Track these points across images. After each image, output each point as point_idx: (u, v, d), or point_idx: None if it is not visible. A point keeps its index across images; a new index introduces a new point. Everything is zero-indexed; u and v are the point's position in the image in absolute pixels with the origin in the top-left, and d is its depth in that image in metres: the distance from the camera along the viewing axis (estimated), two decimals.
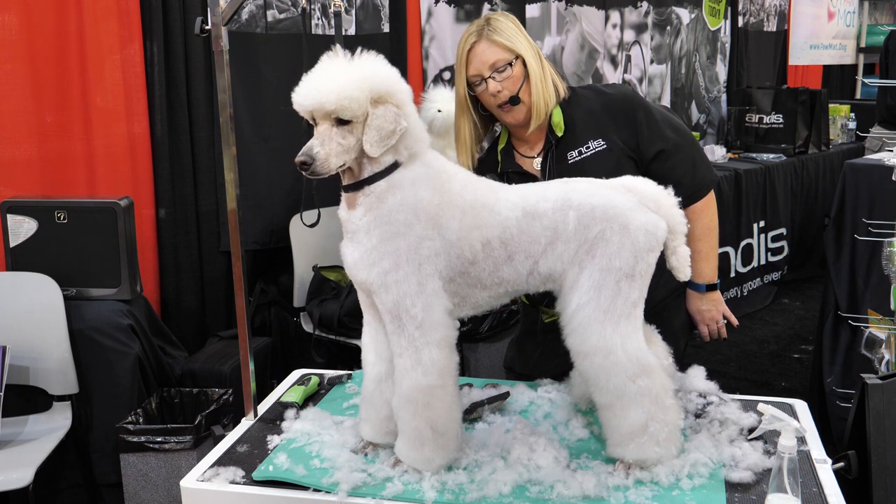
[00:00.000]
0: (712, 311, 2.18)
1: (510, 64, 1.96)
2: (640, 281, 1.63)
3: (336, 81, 1.52)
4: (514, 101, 1.98)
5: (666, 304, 2.13)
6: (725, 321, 2.21)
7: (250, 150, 3.55)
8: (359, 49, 1.57)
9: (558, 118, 2.04)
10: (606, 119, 2.03)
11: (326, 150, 1.53)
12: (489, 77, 1.96)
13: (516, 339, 2.35)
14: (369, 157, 1.59)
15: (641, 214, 1.64)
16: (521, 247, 1.64)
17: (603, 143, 2.02)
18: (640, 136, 2.02)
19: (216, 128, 3.38)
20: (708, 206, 2.09)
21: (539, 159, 2.07)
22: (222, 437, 1.88)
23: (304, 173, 1.54)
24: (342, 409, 1.98)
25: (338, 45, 1.58)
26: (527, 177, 2.08)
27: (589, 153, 2.02)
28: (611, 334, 1.60)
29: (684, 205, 1.84)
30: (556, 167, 2.03)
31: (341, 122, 1.54)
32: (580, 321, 1.61)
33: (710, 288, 2.16)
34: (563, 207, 1.64)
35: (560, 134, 2.03)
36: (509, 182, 2.02)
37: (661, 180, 1.82)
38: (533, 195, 1.67)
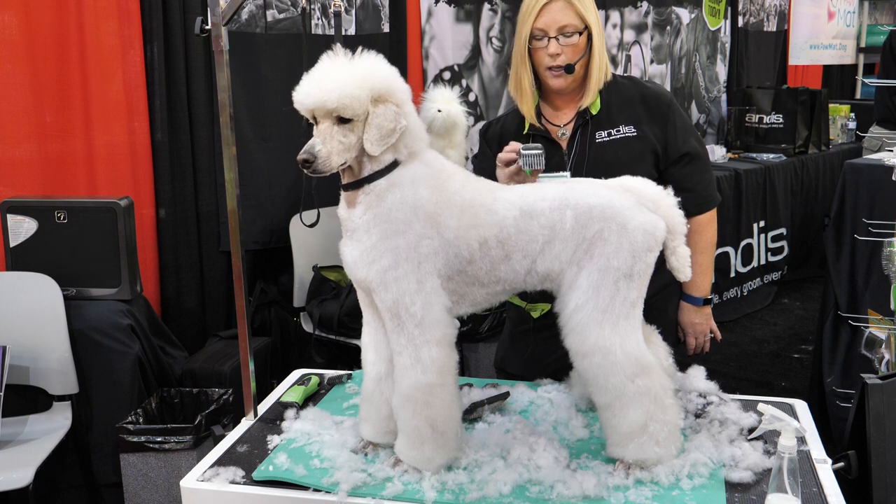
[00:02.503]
0: (703, 325, 2.23)
1: (579, 33, 1.99)
2: (639, 281, 1.63)
3: (337, 80, 1.52)
4: (570, 69, 2.00)
5: (653, 302, 2.14)
6: (711, 336, 2.27)
7: (250, 150, 3.56)
8: (359, 49, 1.58)
9: (595, 98, 2.07)
10: (641, 110, 2.08)
11: (328, 149, 1.53)
12: (554, 37, 1.98)
13: (506, 338, 2.35)
14: (369, 156, 1.59)
15: (640, 214, 1.64)
16: (519, 246, 1.64)
17: (634, 130, 2.07)
18: (671, 136, 2.08)
19: (216, 128, 3.38)
20: (711, 221, 2.16)
21: (566, 131, 2.10)
22: (222, 437, 1.88)
23: (305, 171, 1.54)
24: (342, 409, 1.98)
25: (338, 45, 1.58)
26: (553, 144, 2.09)
27: (618, 136, 2.07)
28: (609, 334, 1.60)
29: (691, 214, 1.87)
30: (585, 143, 2.06)
31: (342, 120, 1.55)
32: (578, 321, 1.61)
33: (706, 302, 2.22)
34: (561, 207, 1.64)
35: (595, 113, 2.07)
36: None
37: (676, 183, 1.86)
38: (531, 195, 1.67)
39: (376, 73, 1.57)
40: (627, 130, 2.07)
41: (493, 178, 1.99)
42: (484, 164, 2.13)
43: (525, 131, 2.11)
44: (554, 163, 2.08)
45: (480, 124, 4.36)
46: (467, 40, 4.37)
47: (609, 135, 2.07)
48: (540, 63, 2.03)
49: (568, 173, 2.04)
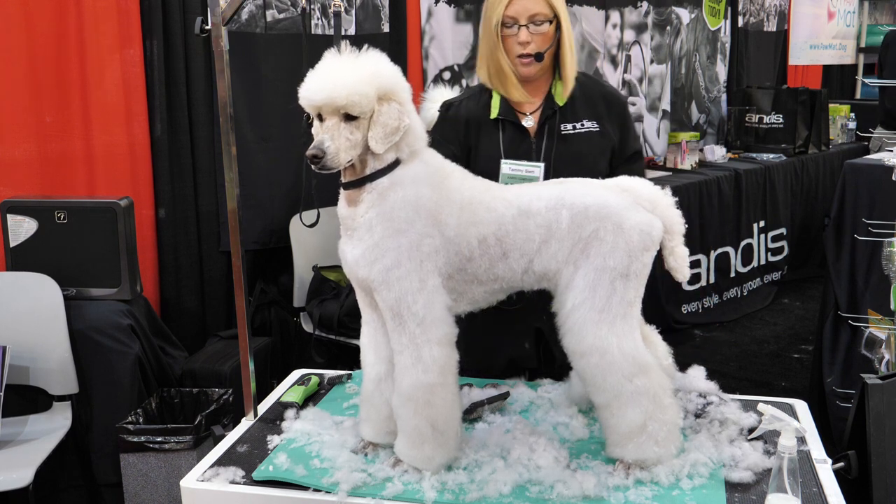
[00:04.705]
0: None
1: (549, 21, 2.00)
2: (636, 280, 1.63)
3: (346, 77, 1.53)
4: (539, 57, 2.02)
5: None
6: None
7: (250, 150, 3.55)
8: (365, 46, 1.58)
9: (571, 86, 2.10)
10: (603, 107, 2.12)
11: (336, 145, 1.54)
12: (524, 25, 1.99)
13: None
14: (373, 154, 1.59)
15: (635, 214, 1.64)
16: (516, 244, 1.65)
17: (596, 125, 2.11)
18: (626, 134, 2.15)
19: (216, 128, 3.38)
20: None
21: (531, 120, 2.11)
22: (222, 437, 1.88)
23: (313, 167, 1.55)
24: (342, 409, 1.98)
25: (344, 43, 1.59)
26: (522, 131, 2.10)
27: (582, 130, 2.10)
28: (606, 334, 1.60)
29: None
30: (553, 134, 2.09)
31: (349, 117, 1.55)
32: (576, 321, 1.62)
33: None
34: (557, 206, 1.64)
35: (561, 104, 2.09)
36: (503, 130, 2.07)
37: None
38: (527, 194, 1.68)
39: (382, 72, 1.58)
40: (591, 125, 2.11)
41: (450, 151, 1.99)
42: (443, 138, 2.10)
43: (494, 116, 2.09)
44: (522, 150, 2.09)
45: None
46: (467, 40, 4.36)
47: (574, 128, 2.10)
48: (509, 51, 2.03)
49: (542, 164, 2.07)
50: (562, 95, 2.09)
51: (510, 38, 2.01)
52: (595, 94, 2.13)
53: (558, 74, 2.09)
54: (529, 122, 2.11)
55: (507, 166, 2.05)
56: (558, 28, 2.03)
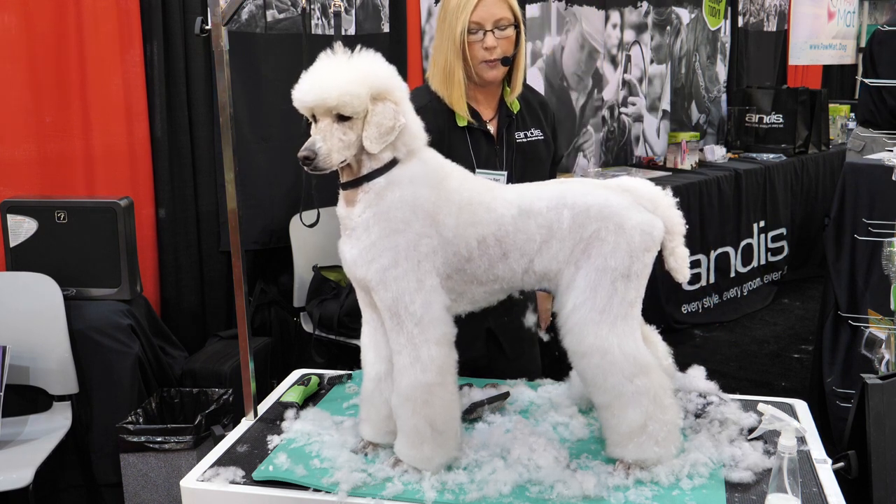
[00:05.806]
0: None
1: (512, 26, 2.03)
2: (637, 281, 1.63)
3: (337, 78, 1.53)
4: (506, 61, 2.03)
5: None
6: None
7: (250, 150, 3.56)
8: (358, 46, 1.58)
9: (513, 97, 2.13)
10: (542, 114, 2.20)
11: (328, 146, 1.54)
12: (490, 30, 2.00)
13: None
14: (369, 154, 1.59)
15: (637, 214, 1.64)
16: (517, 245, 1.65)
17: (541, 134, 2.18)
18: (557, 140, 2.23)
19: (216, 128, 3.38)
20: None
21: (492, 127, 2.13)
22: (222, 437, 1.88)
23: (306, 168, 1.55)
24: (342, 409, 1.98)
25: (338, 44, 1.59)
26: (489, 138, 2.11)
27: (532, 138, 2.16)
28: (607, 334, 1.60)
29: None
30: (512, 142, 2.12)
31: (342, 118, 1.55)
32: (576, 321, 1.61)
33: None
34: (558, 206, 1.64)
35: (515, 112, 2.13)
36: (471, 137, 2.09)
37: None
38: (528, 194, 1.68)
39: (375, 72, 1.58)
40: (538, 134, 2.17)
41: None
42: None
43: (464, 125, 2.08)
44: (489, 157, 2.10)
45: None
46: None
47: (526, 136, 2.15)
48: (475, 56, 2.03)
49: (505, 172, 2.10)
50: (516, 103, 2.12)
51: (476, 45, 2.01)
52: (534, 102, 2.19)
53: (506, 81, 2.11)
54: (492, 129, 2.13)
55: (479, 175, 2.04)
56: (518, 33, 2.05)
